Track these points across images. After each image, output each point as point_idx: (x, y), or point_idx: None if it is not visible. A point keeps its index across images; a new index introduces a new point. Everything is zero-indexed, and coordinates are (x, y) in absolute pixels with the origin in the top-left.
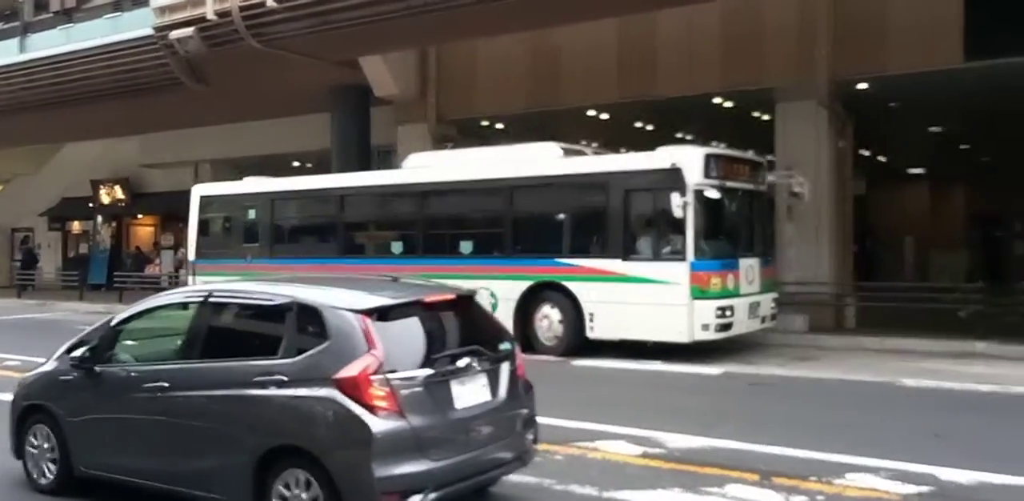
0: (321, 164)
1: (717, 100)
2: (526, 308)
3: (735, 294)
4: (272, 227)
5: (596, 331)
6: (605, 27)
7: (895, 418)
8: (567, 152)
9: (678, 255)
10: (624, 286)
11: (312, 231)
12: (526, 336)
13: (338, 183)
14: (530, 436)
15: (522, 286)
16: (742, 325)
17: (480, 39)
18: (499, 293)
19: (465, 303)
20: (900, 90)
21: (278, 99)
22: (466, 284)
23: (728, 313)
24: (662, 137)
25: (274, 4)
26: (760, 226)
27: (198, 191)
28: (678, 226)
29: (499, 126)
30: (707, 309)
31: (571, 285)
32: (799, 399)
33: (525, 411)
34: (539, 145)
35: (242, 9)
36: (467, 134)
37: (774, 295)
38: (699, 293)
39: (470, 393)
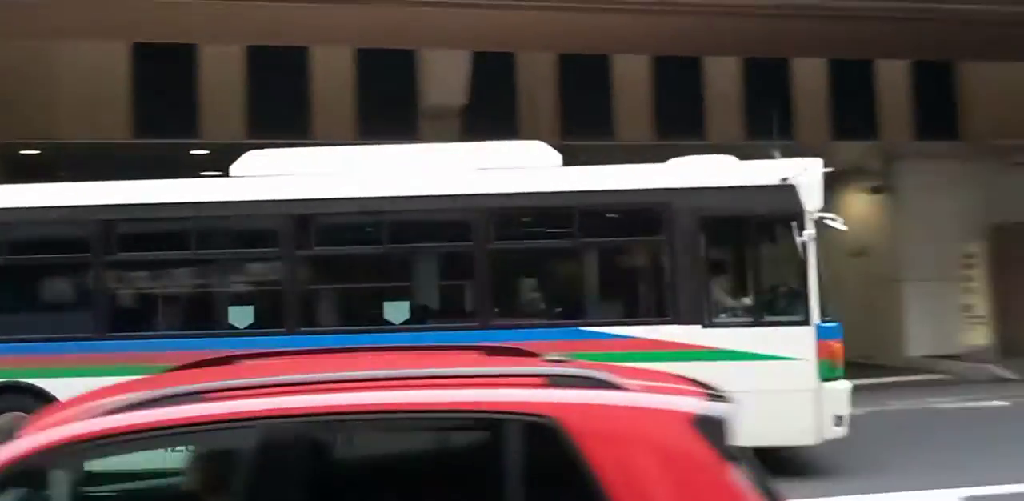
0: None
1: None
2: None
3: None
4: None
5: None
6: None
7: None
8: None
9: (796, 316)
10: (708, 366)
11: (43, 290)
12: None
13: (101, 197)
14: None
15: None
16: None
17: None
18: None
19: None
20: (71, 159)
21: None
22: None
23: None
24: None
25: None
26: None
27: None
28: (794, 273)
29: None
30: (841, 394)
31: None
32: None
33: None
34: (519, 144)
35: None
36: None
37: None
38: (829, 371)
39: None
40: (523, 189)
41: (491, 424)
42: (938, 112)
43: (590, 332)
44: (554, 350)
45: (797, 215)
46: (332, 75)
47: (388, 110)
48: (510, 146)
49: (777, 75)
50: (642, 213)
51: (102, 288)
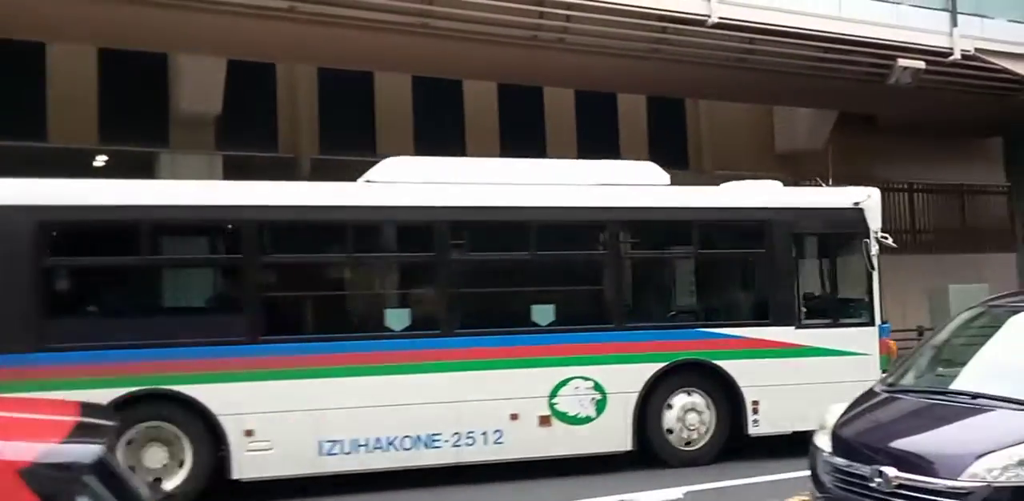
0: None
1: None
2: (648, 403)
3: None
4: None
5: (762, 425)
6: None
7: None
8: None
9: (863, 318)
10: (799, 362)
11: (181, 290)
12: (646, 442)
13: (244, 197)
14: None
15: (649, 370)
16: None
17: None
18: (608, 385)
19: None
20: None
21: None
22: (545, 373)
23: None
24: None
25: None
26: None
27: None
28: (861, 282)
29: None
30: None
31: (725, 364)
32: None
33: None
34: (636, 164)
35: None
36: None
37: None
38: (887, 365)
39: None
40: (648, 204)
41: None
42: (670, 143)
43: (709, 332)
44: (677, 349)
45: (865, 234)
46: (72, 75)
47: (136, 115)
48: (627, 165)
49: (531, 100)
50: (747, 229)
51: (247, 294)
